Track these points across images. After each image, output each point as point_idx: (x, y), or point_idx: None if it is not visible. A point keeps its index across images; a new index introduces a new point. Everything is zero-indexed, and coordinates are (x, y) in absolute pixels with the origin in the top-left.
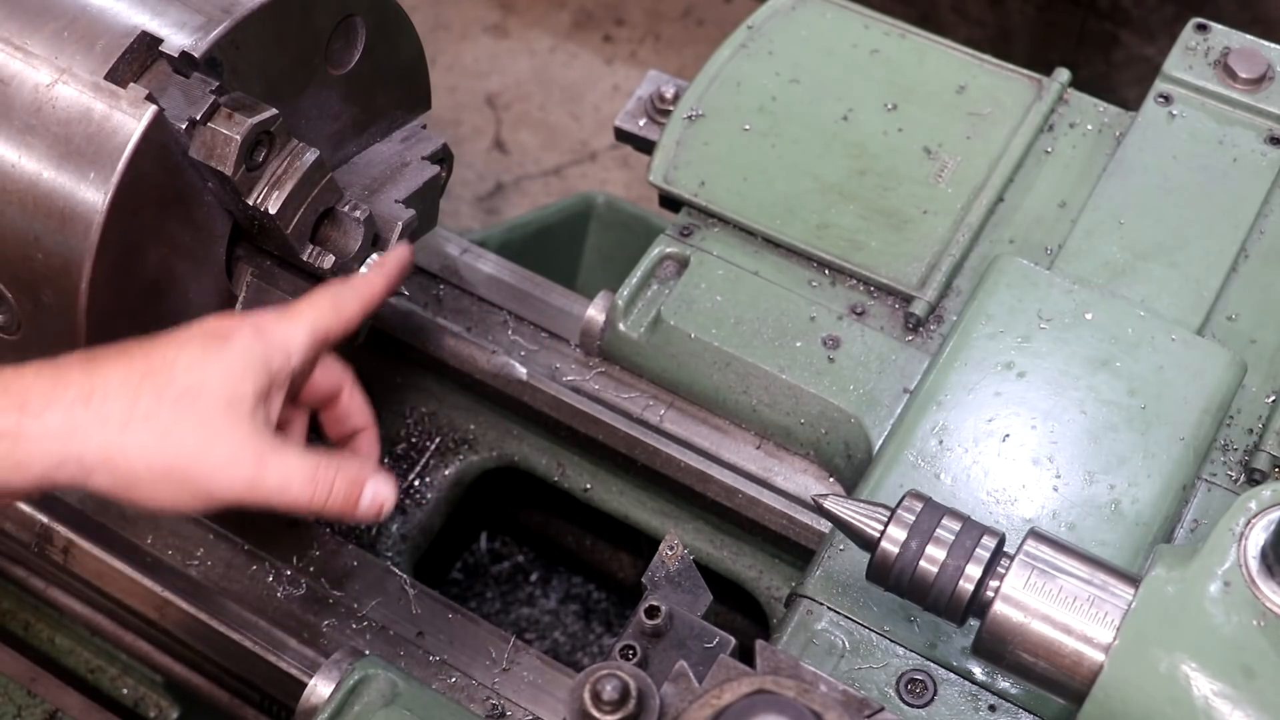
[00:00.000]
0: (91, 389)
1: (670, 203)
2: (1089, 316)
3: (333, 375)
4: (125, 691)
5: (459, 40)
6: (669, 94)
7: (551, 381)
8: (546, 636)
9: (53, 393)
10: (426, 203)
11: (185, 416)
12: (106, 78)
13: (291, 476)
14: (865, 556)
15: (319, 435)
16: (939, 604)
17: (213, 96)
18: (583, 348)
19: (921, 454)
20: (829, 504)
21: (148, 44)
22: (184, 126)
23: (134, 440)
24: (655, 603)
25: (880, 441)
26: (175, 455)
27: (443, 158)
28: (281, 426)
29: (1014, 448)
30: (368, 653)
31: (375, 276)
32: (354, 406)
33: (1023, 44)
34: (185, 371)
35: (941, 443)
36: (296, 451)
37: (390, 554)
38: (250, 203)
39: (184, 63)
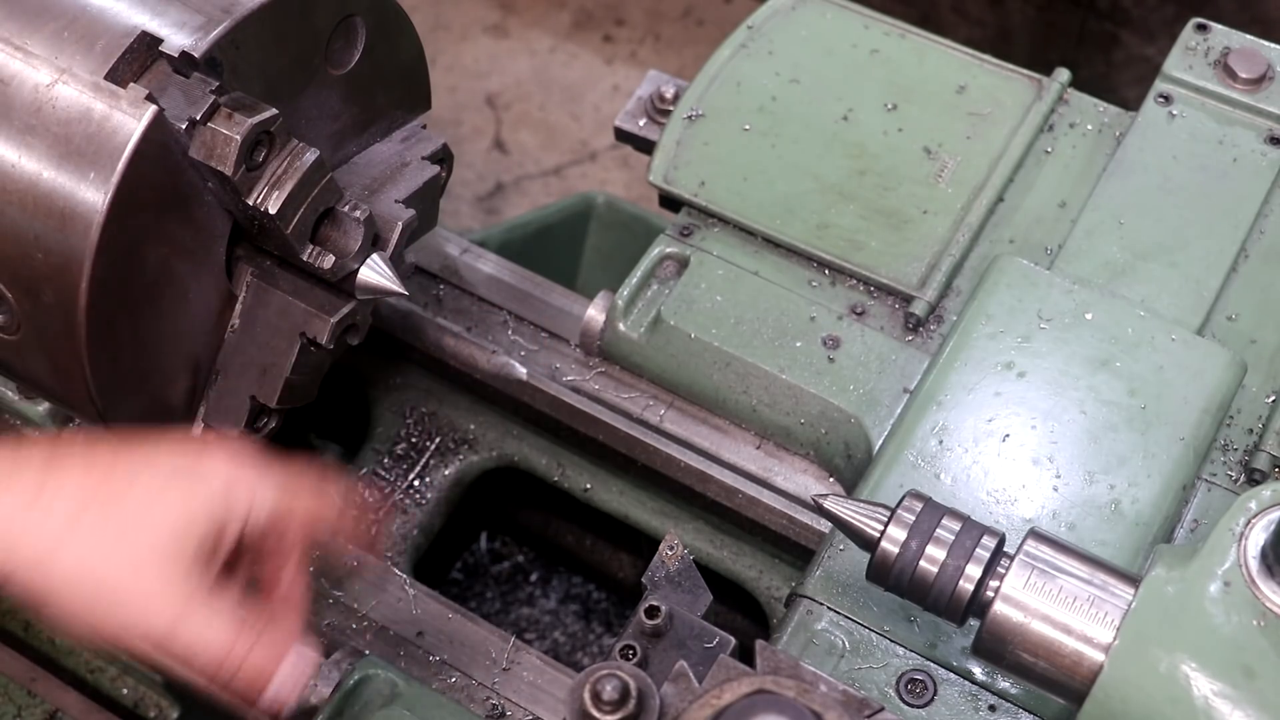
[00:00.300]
0: (44, 484)
1: (670, 203)
2: (1089, 316)
3: (285, 545)
4: (125, 691)
5: (459, 40)
6: (669, 94)
7: (551, 381)
8: (546, 636)
9: (5, 479)
10: (426, 203)
11: (125, 541)
12: (106, 78)
13: (204, 644)
14: (865, 556)
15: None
16: (939, 604)
17: (213, 96)
18: (583, 348)
19: (921, 454)
20: (829, 504)
21: (148, 44)
22: (184, 126)
23: (68, 551)
24: (655, 603)
25: (880, 441)
26: (102, 579)
27: (443, 158)
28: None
29: (1014, 448)
30: (368, 653)
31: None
32: (293, 584)
33: (1023, 44)
34: (142, 494)
35: (941, 443)
36: (221, 618)
37: (390, 554)
38: (250, 203)
39: (184, 63)
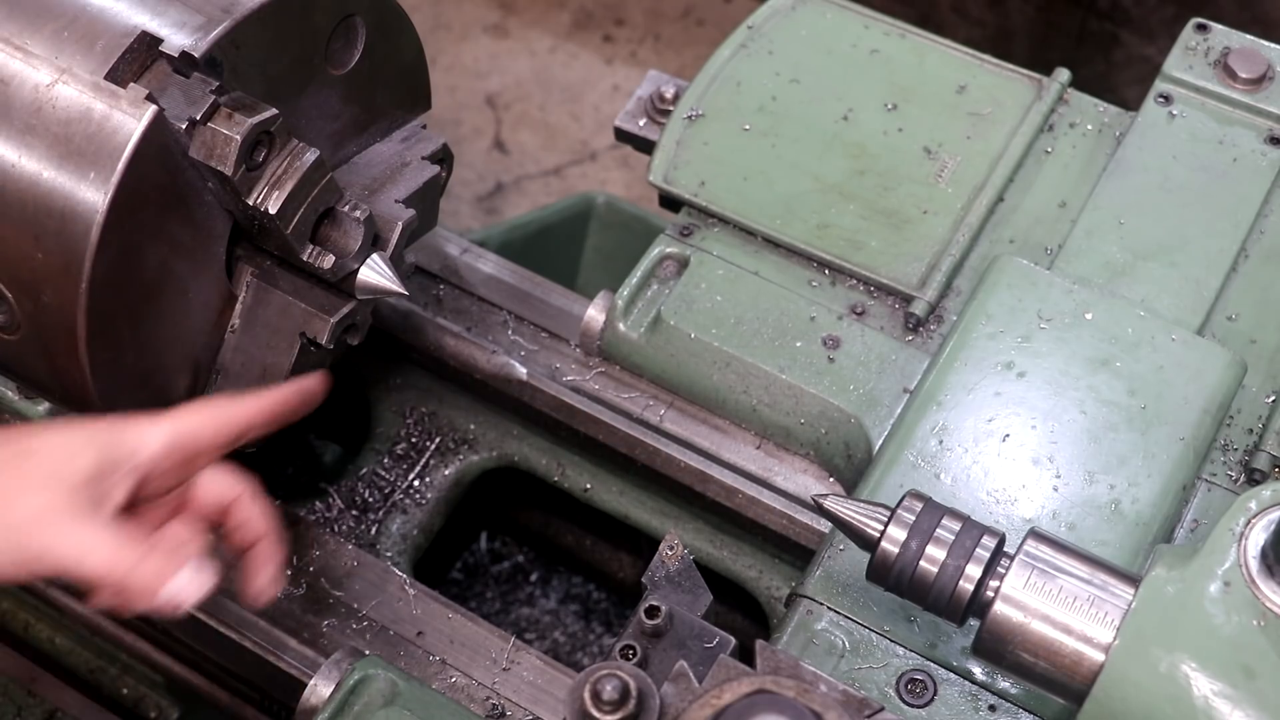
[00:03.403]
0: None
1: (670, 203)
2: (1089, 316)
3: (222, 486)
4: (125, 691)
5: (459, 40)
6: (669, 94)
7: (551, 381)
8: (546, 636)
9: None
10: (426, 203)
11: (9, 470)
12: (106, 78)
13: (92, 549)
14: (865, 556)
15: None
16: (939, 604)
17: (213, 96)
18: (583, 348)
19: (921, 454)
20: (829, 504)
21: (148, 44)
22: (184, 126)
23: None
24: (655, 603)
25: (880, 441)
26: None
27: (443, 158)
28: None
29: (1014, 448)
30: (368, 653)
31: (274, 396)
32: (251, 517)
33: (1023, 44)
34: (30, 436)
35: (941, 443)
36: (107, 525)
37: (390, 554)
38: (250, 203)
39: (184, 63)
